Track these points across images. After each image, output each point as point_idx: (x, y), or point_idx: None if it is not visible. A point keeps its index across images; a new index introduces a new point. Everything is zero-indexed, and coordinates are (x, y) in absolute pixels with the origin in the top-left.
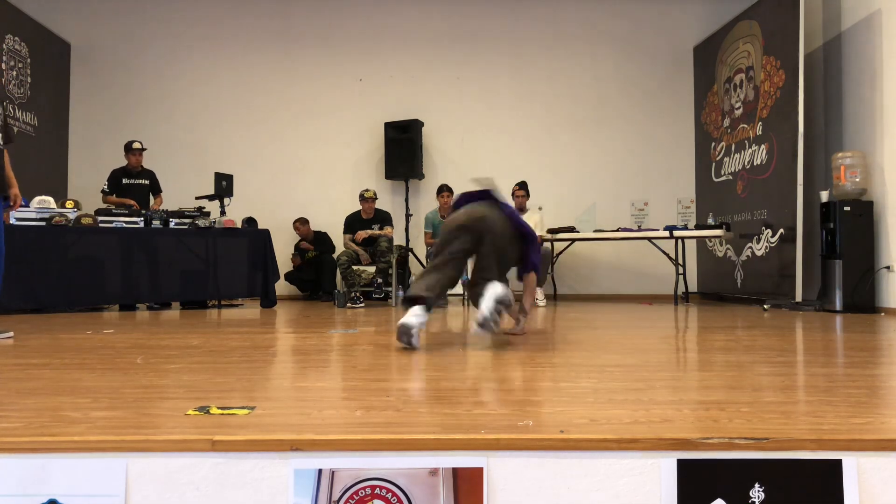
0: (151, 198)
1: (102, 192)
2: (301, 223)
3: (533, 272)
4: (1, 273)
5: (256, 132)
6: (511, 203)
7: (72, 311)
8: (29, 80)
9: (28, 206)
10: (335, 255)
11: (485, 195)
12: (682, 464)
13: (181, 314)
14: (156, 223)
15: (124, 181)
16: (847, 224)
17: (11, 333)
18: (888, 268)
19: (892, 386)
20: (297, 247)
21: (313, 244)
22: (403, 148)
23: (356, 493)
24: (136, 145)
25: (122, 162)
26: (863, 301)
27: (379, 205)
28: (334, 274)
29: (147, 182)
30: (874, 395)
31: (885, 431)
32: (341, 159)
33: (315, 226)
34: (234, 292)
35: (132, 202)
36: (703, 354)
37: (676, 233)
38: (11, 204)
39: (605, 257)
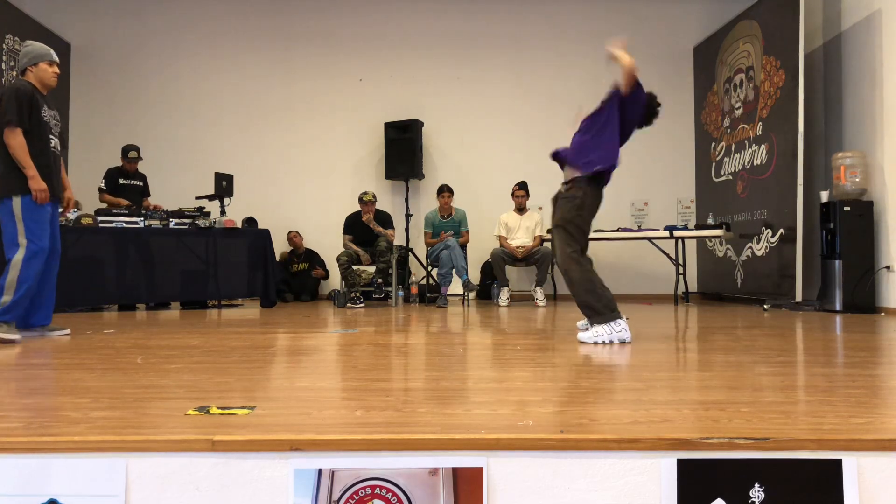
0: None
1: (100, 189)
2: (296, 235)
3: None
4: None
5: (257, 132)
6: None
7: (71, 312)
8: None
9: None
10: (337, 256)
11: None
12: (682, 464)
13: (181, 314)
14: (155, 223)
15: (121, 181)
16: (847, 224)
17: (68, 330)
18: (888, 268)
19: (892, 386)
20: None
21: (304, 258)
22: (403, 148)
23: (356, 492)
24: (133, 154)
25: (119, 161)
26: (863, 301)
27: (379, 205)
28: (317, 290)
29: (141, 184)
30: (874, 395)
31: (885, 431)
32: (341, 159)
33: (315, 226)
34: (234, 292)
35: (127, 202)
36: (703, 354)
37: (676, 233)
38: (66, 206)
39: (605, 257)
